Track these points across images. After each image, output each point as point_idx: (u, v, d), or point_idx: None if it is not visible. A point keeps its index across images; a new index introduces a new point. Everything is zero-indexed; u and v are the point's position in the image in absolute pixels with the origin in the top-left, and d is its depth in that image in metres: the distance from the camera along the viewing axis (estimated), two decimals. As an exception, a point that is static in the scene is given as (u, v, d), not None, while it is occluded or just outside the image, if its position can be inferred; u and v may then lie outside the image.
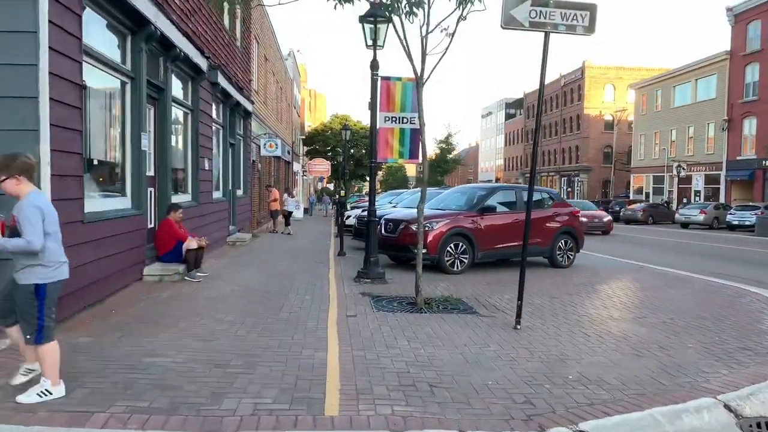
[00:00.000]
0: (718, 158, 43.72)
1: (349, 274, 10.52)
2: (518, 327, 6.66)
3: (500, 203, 12.09)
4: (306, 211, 38.91)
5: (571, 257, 12.87)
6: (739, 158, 41.03)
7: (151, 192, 9.39)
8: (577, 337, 6.38)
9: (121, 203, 8.08)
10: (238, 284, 8.99)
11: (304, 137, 51.85)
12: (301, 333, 6.12)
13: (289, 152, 36.83)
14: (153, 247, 9.16)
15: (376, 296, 8.47)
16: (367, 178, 68.51)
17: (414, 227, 11.05)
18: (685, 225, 35.31)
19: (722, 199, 41.88)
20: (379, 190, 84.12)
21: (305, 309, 7.35)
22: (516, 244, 11.79)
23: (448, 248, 11.10)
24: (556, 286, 10.05)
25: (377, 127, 9.74)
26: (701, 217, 34.49)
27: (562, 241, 12.70)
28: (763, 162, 38.24)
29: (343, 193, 13.34)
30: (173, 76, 10.24)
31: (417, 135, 9.70)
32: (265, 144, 19.86)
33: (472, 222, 11.45)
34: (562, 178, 72.07)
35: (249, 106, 17.95)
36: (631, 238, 24.55)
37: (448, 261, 11.11)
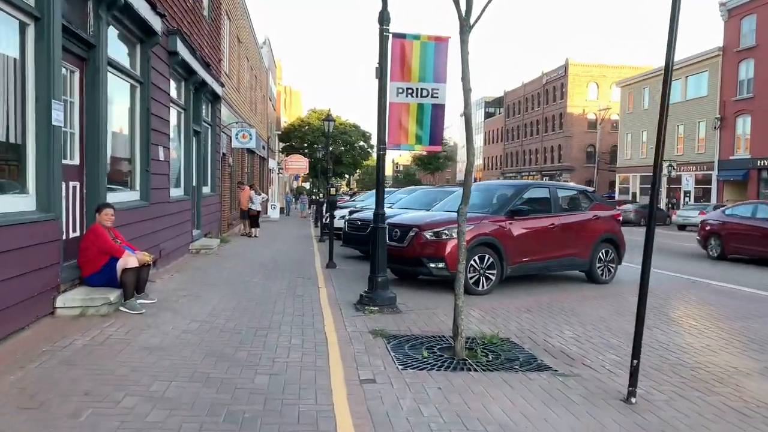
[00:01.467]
0: (709, 158, 42.32)
1: (347, 298, 8.01)
2: (633, 400, 4.24)
3: (532, 204, 9.70)
4: (282, 210, 36.16)
5: (613, 270, 10.57)
6: (732, 158, 39.63)
7: (74, 188, 6.75)
8: (729, 416, 4.00)
9: (18, 203, 5.44)
10: (196, 318, 6.39)
11: (279, 132, 49.03)
12: (291, 425, 3.60)
13: (264, 147, 34.04)
14: (76, 264, 6.52)
15: (393, 336, 5.97)
16: (347, 176, 66.14)
17: (428, 235, 8.61)
18: (682, 227, 33.55)
19: (713, 200, 40.47)
20: (354, 190, 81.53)
21: (294, 366, 4.81)
22: (554, 255, 9.43)
23: (472, 262, 8.68)
24: (617, 313, 7.69)
25: (387, 102, 7.24)
26: (701, 219, 32.72)
27: (603, 251, 10.39)
28: (758, 162, 36.83)
29: (333, 190, 10.81)
30: (112, 31, 7.60)
31: (440, 114, 7.24)
32: (237, 134, 17.21)
33: (500, 228, 9.04)
34: (544, 178, 70.48)
35: (218, 89, 15.30)
36: (635, 242, 22.41)
37: (472, 278, 8.69)
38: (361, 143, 53.26)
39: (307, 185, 72.10)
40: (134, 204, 8.67)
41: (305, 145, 50.94)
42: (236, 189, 20.56)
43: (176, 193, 11.68)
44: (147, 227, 9.11)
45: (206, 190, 15.16)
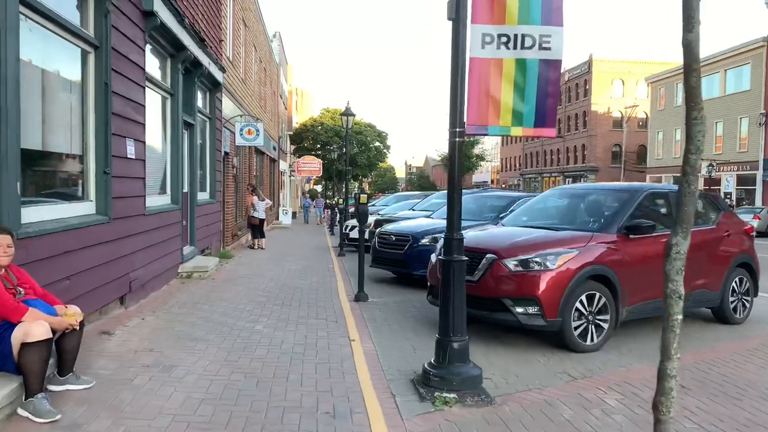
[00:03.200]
0: (752, 156, 39.19)
1: (397, 365, 5.24)
2: None
3: (652, 217, 6.85)
4: (294, 215, 33.51)
5: (747, 305, 7.72)
6: (780, 157, 36.51)
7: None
8: None
9: None
10: (155, 426, 3.66)
11: (291, 133, 46.40)
12: None
13: (275, 148, 31.42)
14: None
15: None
16: (362, 179, 63.31)
17: (512, 264, 5.85)
18: (733, 232, 30.46)
19: (758, 202, 37.40)
20: (368, 193, 78.42)
21: None
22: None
23: (578, 303, 5.88)
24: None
25: (466, 57, 4.46)
26: (755, 223, 29.67)
27: (737, 279, 7.53)
28: (813, 160, 33.69)
29: (365, 197, 7.97)
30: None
31: (554, 76, 4.46)
32: (242, 130, 14.53)
33: (614, 253, 6.21)
34: (566, 179, 67.49)
35: (218, 75, 12.63)
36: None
37: (578, 327, 5.89)
38: (377, 144, 50.50)
39: (319, 188, 69.36)
40: (84, 221, 5.96)
41: (318, 146, 48.31)
42: (244, 193, 17.90)
43: (158, 202, 8.99)
44: (105, 253, 6.41)
45: (203, 196, 12.48)
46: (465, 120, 4.50)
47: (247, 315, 7.16)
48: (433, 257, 7.09)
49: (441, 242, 7.37)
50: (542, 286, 5.75)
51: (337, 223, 27.72)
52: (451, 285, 4.53)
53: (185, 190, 10.66)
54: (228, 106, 15.17)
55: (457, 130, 4.48)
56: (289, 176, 44.11)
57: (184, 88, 10.54)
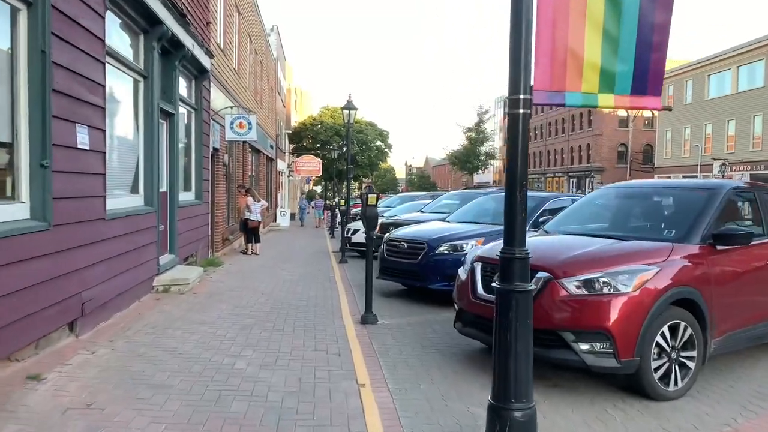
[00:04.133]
0: (766, 155, 37.86)
1: (424, 428, 3.81)
2: None
3: (741, 222, 5.42)
4: (293, 217, 32.05)
5: None
6: (797, 156, 35.14)
7: None
8: None
9: None
10: None
11: (290, 132, 44.90)
12: None
13: (272, 146, 29.99)
14: None
15: None
16: (363, 179, 61.53)
17: (574, 286, 4.41)
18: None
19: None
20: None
21: None
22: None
23: (659, 337, 4.45)
24: None
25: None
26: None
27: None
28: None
29: (373, 198, 6.51)
30: None
31: (664, 22, 3.03)
32: (232, 123, 13.04)
33: (700, 268, 4.77)
34: (571, 180, 66.19)
35: (205, 60, 11.20)
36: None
37: (658, 368, 4.46)
38: (378, 143, 48.96)
39: (318, 189, 67.77)
40: (12, 229, 4.54)
41: (318, 145, 46.78)
42: (236, 195, 16.45)
43: (127, 203, 7.54)
44: (44, 269, 4.97)
45: (187, 197, 11.04)
46: (532, 84, 3.05)
47: (228, 345, 5.72)
48: (462, 272, 5.65)
49: (471, 252, 5.94)
50: (614, 315, 4.31)
51: (337, 226, 26.32)
52: (512, 327, 3.09)
53: (163, 189, 9.22)
54: (218, 98, 13.73)
55: (521, 97, 3.04)
56: (288, 176, 42.66)
57: (163, 73, 9.11)
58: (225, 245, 14.93)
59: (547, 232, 5.98)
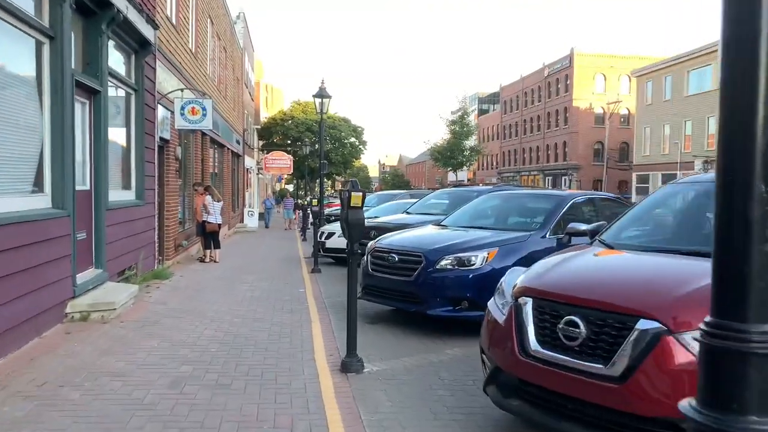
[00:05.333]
0: (749, 153, 37.02)
1: None
2: None
3: None
4: (261, 216, 29.94)
5: None
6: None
7: None
8: None
9: None
10: None
11: (259, 127, 42.61)
12: None
13: (238, 142, 27.83)
14: None
15: None
16: (337, 177, 58.91)
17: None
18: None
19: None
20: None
21: None
22: None
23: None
24: None
25: None
26: None
27: None
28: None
29: (358, 198, 4.64)
30: None
31: None
32: (183, 108, 10.94)
33: None
34: (547, 178, 65.22)
35: (147, 31, 9.17)
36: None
37: None
38: (352, 139, 46.99)
39: (290, 187, 65.41)
40: None
41: (288, 141, 44.63)
42: (192, 194, 14.39)
43: (20, 205, 5.54)
44: None
45: (123, 196, 9.01)
46: None
47: (142, 422, 3.79)
48: (496, 309, 3.79)
49: (507, 280, 4.07)
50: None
51: (309, 227, 24.32)
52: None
53: (84, 187, 7.22)
54: (170, 81, 11.68)
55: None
56: (257, 174, 40.44)
57: (85, 37, 7.12)
58: (178, 252, 12.89)
59: (608, 246, 4.17)
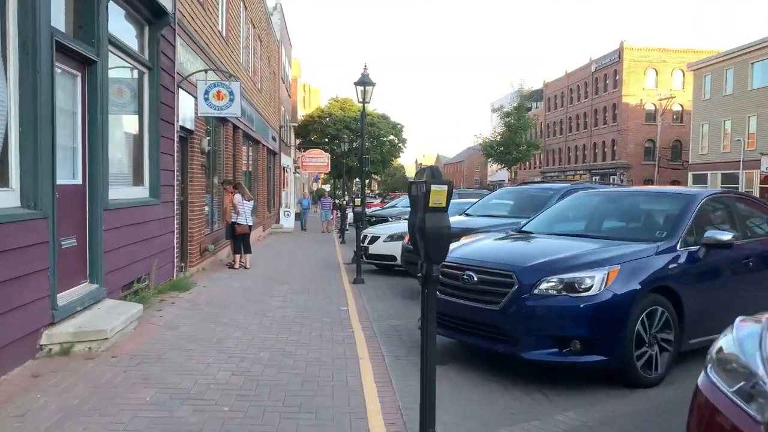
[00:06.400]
0: (822, 149, 34.11)
1: None
2: None
3: None
4: (296, 217, 28.50)
5: None
6: None
7: None
8: None
9: None
10: None
11: (296, 125, 41.31)
12: None
13: (274, 138, 26.47)
14: None
15: None
16: (375, 177, 56.94)
17: None
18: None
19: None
20: (376, 191, 71.91)
21: None
22: None
23: None
24: None
25: None
26: None
27: None
28: None
29: (442, 194, 3.12)
30: None
31: None
32: (207, 92, 9.37)
33: None
34: (594, 177, 62.28)
35: (162, -2, 7.69)
36: None
37: None
38: (391, 137, 45.24)
39: (327, 187, 64.00)
40: None
41: (326, 139, 43.21)
42: (221, 192, 12.91)
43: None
44: None
45: (132, 193, 7.51)
46: None
47: None
48: (736, 409, 2.00)
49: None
50: None
51: (347, 228, 22.71)
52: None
53: (73, 181, 5.72)
54: (193, 64, 10.20)
55: None
56: (294, 173, 39.14)
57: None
58: (204, 258, 11.42)
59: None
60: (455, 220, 9.38)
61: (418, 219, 3.11)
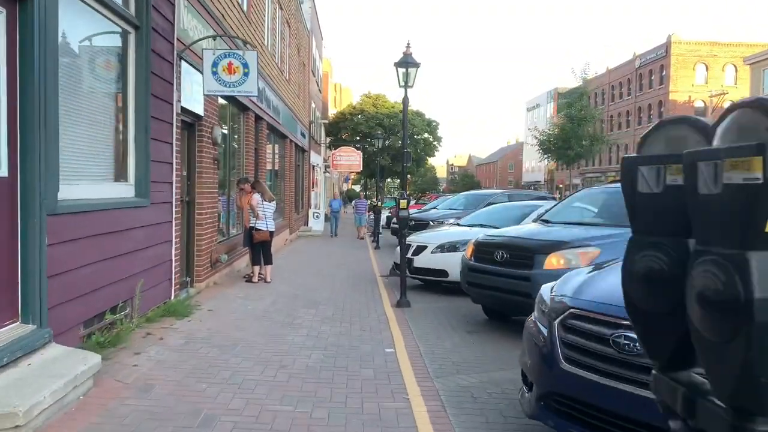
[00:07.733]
0: None
1: None
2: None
3: None
4: (326, 218, 26.55)
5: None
6: None
7: None
8: None
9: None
10: None
11: (327, 122, 39.46)
12: None
13: (303, 134, 24.58)
14: None
15: None
16: (410, 178, 55.09)
17: None
18: None
19: None
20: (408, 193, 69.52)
21: None
22: None
23: None
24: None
25: None
26: None
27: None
28: None
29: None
30: None
31: None
32: (215, 64, 7.33)
33: None
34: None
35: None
36: None
37: None
38: (426, 135, 43.04)
39: (357, 188, 61.98)
40: None
41: (357, 138, 41.26)
42: (238, 191, 10.95)
43: None
44: None
45: (111, 192, 5.55)
46: None
47: None
48: None
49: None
50: None
51: (381, 231, 20.63)
52: None
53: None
54: (200, 31, 8.28)
55: None
56: (324, 172, 37.28)
57: None
58: (217, 270, 9.48)
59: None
60: (529, 229, 7.23)
61: (706, 265, 1.01)
